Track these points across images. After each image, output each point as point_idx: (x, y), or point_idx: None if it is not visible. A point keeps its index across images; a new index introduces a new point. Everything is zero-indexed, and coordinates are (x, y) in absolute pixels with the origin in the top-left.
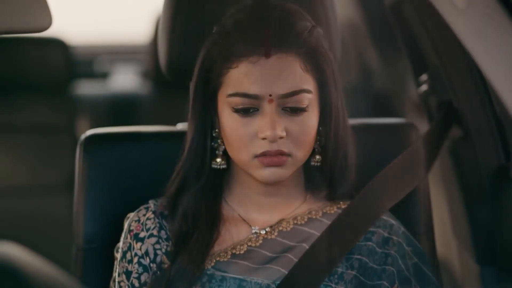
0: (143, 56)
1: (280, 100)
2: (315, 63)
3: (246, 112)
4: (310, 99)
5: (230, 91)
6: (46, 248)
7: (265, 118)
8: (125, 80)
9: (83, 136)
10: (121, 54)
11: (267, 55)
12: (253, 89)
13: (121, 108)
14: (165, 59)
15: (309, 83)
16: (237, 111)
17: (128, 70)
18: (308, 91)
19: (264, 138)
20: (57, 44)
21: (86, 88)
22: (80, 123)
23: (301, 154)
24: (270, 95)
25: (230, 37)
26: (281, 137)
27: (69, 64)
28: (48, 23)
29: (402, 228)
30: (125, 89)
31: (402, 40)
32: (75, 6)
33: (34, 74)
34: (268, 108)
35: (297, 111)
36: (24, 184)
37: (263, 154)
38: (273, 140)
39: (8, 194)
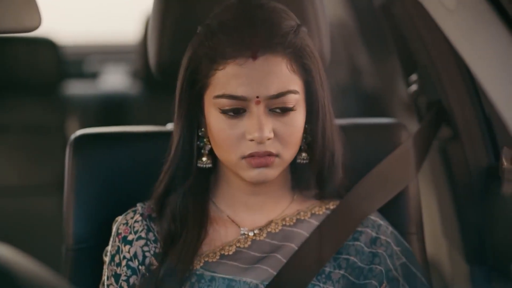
0: (133, 56)
1: (267, 101)
2: (301, 62)
3: (233, 113)
4: (297, 99)
5: (217, 93)
6: (35, 248)
7: (253, 120)
8: (115, 80)
9: (72, 136)
10: (111, 54)
11: (254, 56)
12: (240, 91)
13: (111, 108)
14: (154, 59)
15: (296, 83)
16: (224, 112)
17: (118, 70)
18: (295, 92)
19: (252, 140)
20: (47, 44)
21: (76, 88)
22: (70, 123)
23: (288, 154)
24: (257, 97)
25: (216, 38)
26: (269, 138)
27: (58, 64)
28: (37, 23)
29: (391, 228)
30: (115, 89)
31: (392, 40)
32: (65, 5)
33: (24, 74)
34: (256, 109)
35: (284, 111)
36: (13, 184)
37: (251, 155)
38: (261, 142)
39: None
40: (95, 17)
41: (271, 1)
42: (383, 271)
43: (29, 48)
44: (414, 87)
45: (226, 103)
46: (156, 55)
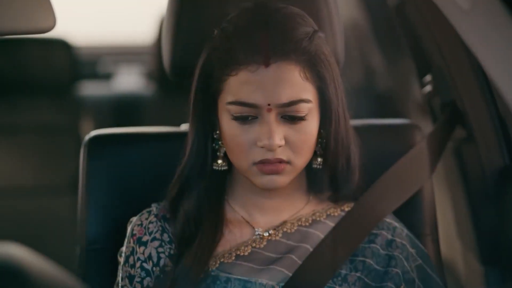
0: (146, 57)
1: (279, 109)
2: (315, 70)
3: (244, 119)
4: (309, 108)
5: (229, 99)
6: (49, 248)
7: (264, 127)
8: (129, 81)
9: (87, 137)
10: (124, 55)
11: (266, 64)
12: (252, 98)
13: (125, 109)
14: (168, 60)
15: (309, 91)
16: (236, 118)
17: (131, 71)
18: (307, 101)
19: (262, 147)
20: (61, 45)
21: (89, 89)
22: (84, 124)
23: (300, 161)
24: (269, 105)
25: (229, 43)
26: (280, 146)
27: (73, 65)
28: (52, 24)
29: (406, 231)
30: (129, 90)
31: (405, 40)
32: (79, 7)
33: (38, 75)
34: (267, 116)
35: (296, 119)
36: (27, 185)
37: (262, 162)
38: (271, 149)
39: (12, 195)
40: (109, 18)
41: (288, 5)
42: (400, 274)
43: (44, 49)
44: (428, 88)
45: (237, 109)
46: (170, 56)
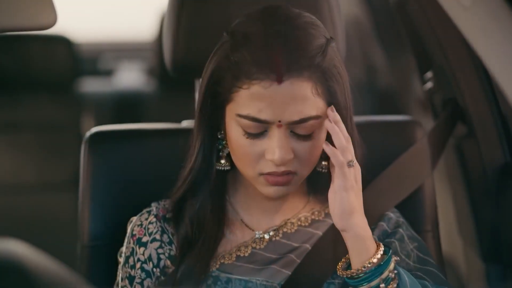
0: (148, 53)
1: (289, 125)
2: (327, 85)
3: (255, 133)
4: (319, 123)
5: (239, 112)
6: (51, 245)
7: (273, 142)
8: (130, 77)
9: (88, 134)
10: (125, 51)
11: (279, 81)
12: (263, 115)
13: (126, 105)
14: (170, 56)
15: (319, 107)
16: (248, 136)
17: (132, 67)
18: (317, 117)
19: (271, 160)
20: (62, 42)
21: (90, 86)
22: (85, 120)
23: (306, 171)
24: (279, 121)
25: (240, 54)
26: (288, 160)
27: (73, 61)
28: (52, 21)
29: (401, 219)
30: (130, 86)
31: (407, 37)
32: (80, 3)
33: (39, 72)
34: (277, 131)
35: (305, 137)
36: (29, 182)
37: (269, 174)
38: (280, 164)
39: (13, 192)
40: (110, 15)
41: (300, 12)
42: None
43: (44, 46)
44: (429, 85)
45: (248, 124)
46: (171, 53)
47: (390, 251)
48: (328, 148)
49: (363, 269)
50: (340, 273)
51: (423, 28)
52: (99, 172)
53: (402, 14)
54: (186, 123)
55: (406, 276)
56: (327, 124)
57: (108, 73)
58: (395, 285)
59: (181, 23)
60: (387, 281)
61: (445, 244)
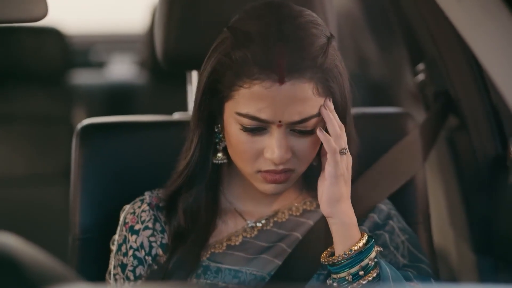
0: (139, 45)
1: (289, 124)
2: (327, 85)
3: (254, 131)
4: (318, 120)
5: (239, 110)
6: (42, 237)
7: (272, 141)
8: (122, 69)
9: (79, 126)
10: (117, 43)
11: (281, 82)
12: (264, 115)
13: (118, 97)
14: (161, 49)
15: (319, 105)
16: (245, 129)
17: (124, 59)
18: (317, 115)
19: (269, 158)
20: (53, 34)
21: (82, 78)
22: (76, 112)
23: (304, 167)
24: (280, 121)
25: (242, 53)
26: (287, 159)
27: (65, 53)
28: (44, 13)
29: (393, 211)
30: (122, 78)
31: (399, 29)
32: None
33: (30, 64)
34: (276, 131)
35: (304, 133)
36: (20, 174)
37: (267, 171)
38: (279, 163)
39: (4, 184)
40: (102, 7)
41: (301, 10)
42: (385, 245)
43: (36, 38)
44: (421, 77)
45: (248, 122)
46: (162, 45)
47: (373, 239)
48: (321, 134)
49: (344, 255)
50: (323, 260)
51: (415, 20)
52: (91, 164)
53: (394, 6)
54: (177, 115)
55: (387, 267)
56: (322, 111)
57: (99, 65)
58: (374, 275)
59: (172, 15)
60: (366, 269)
61: (437, 236)
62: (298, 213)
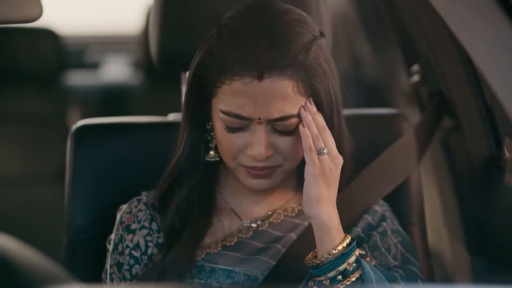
0: (134, 46)
1: (269, 122)
2: (309, 83)
3: (236, 128)
4: (299, 121)
5: (221, 107)
6: (36, 238)
7: (254, 138)
8: (116, 70)
9: (73, 127)
10: (112, 44)
11: (260, 78)
12: (243, 112)
13: (112, 98)
14: (156, 50)
15: (300, 105)
16: (227, 127)
17: (119, 60)
18: (298, 116)
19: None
20: (48, 34)
21: (76, 79)
22: (71, 113)
23: (291, 164)
24: (259, 118)
25: (224, 50)
26: (268, 156)
27: (59, 54)
28: (38, 13)
29: (388, 213)
30: (116, 79)
31: (393, 30)
32: None
33: (25, 65)
34: (257, 128)
35: (285, 132)
36: (14, 175)
37: (249, 167)
38: (260, 160)
39: None
40: (96, 7)
41: (289, 8)
42: (376, 247)
43: (30, 39)
44: (415, 78)
45: (229, 120)
46: (157, 46)
47: (354, 242)
48: (302, 129)
49: (322, 259)
50: (306, 262)
51: (409, 21)
52: (85, 165)
53: (388, 7)
54: (172, 116)
55: (371, 271)
56: (301, 112)
57: (94, 66)
58: (353, 279)
59: (167, 16)
60: (344, 274)
61: (431, 236)
62: (293, 214)
